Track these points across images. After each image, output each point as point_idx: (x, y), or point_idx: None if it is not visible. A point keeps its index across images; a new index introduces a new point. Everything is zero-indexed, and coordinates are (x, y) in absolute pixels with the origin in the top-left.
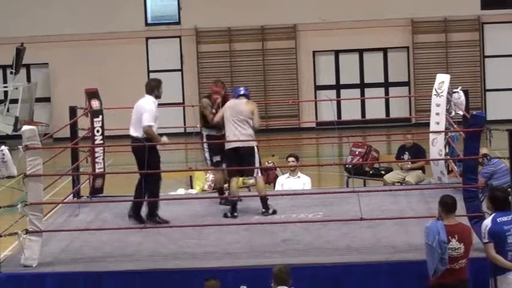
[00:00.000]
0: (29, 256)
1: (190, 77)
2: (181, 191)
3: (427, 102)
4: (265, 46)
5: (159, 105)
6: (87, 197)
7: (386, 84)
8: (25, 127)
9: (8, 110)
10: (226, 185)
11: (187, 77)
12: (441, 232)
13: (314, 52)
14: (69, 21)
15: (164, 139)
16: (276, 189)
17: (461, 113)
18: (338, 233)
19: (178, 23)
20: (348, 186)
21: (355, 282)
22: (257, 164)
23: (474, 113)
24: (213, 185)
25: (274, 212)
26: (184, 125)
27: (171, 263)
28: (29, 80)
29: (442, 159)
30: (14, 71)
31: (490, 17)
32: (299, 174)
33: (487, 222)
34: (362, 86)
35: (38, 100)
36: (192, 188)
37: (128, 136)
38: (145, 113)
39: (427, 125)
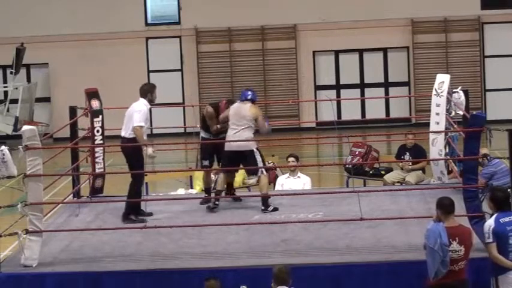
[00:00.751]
0: (29, 256)
1: (190, 77)
2: (181, 191)
3: (427, 102)
4: (265, 46)
5: (160, 104)
6: (87, 197)
7: (386, 84)
8: (25, 127)
9: (8, 110)
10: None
11: (187, 77)
12: (443, 235)
13: (314, 52)
14: (69, 21)
15: (149, 151)
16: (276, 189)
17: (461, 113)
18: (338, 233)
19: (178, 23)
20: (348, 186)
21: (355, 282)
22: (260, 164)
23: (474, 113)
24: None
25: (276, 209)
26: (184, 125)
27: (171, 263)
28: (29, 80)
29: (442, 159)
30: (14, 71)
31: (490, 17)
32: (299, 174)
33: (491, 223)
34: (362, 86)
35: (38, 100)
36: (192, 188)
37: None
38: (136, 113)
39: (427, 125)
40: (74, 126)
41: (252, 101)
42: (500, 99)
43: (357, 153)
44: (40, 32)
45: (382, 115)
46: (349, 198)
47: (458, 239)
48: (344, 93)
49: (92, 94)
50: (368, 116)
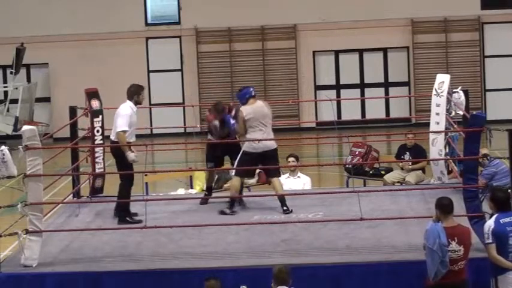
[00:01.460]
0: (29, 256)
1: (190, 77)
2: (181, 191)
3: (427, 102)
4: (265, 46)
5: (160, 104)
6: (87, 197)
7: (386, 84)
8: (25, 127)
9: (8, 110)
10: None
11: (187, 77)
12: (441, 235)
13: (314, 52)
14: (69, 21)
15: (131, 156)
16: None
17: (461, 113)
18: (338, 233)
19: (178, 23)
20: (348, 186)
21: (355, 282)
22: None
23: (474, 113)
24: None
25: (291, 211)
26: (184, 125)
27: (171, 263)
28: (29, 80)
29: (442, 159)
30: (14, 71)
31: (490, 17)
32: (299, 174)
33: (490, 223)
34: (362, 86)
35: (38, 100)
36: (192, 188)
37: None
38: (119, 118)
39: (427, 125)
40: (74, 126)
41: (255, 97)
42: (500, 99)
43: (357, 153)
44: (40, 32)
45: (382, 115)
46: (349, 198)
47: (457, 239)
48: (344, 93)
49: (92, 94)
50: (368, 116)
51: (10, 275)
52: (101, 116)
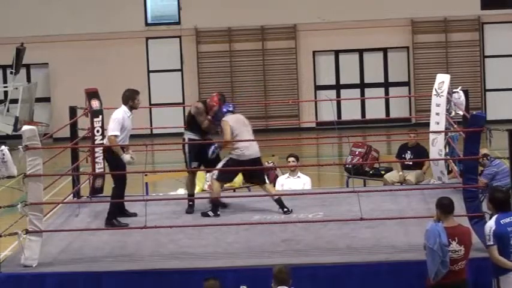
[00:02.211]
0: (29, 256)
1: (190, 77)
2: (181, 191)
3: (427, 102)
4: (265, 46)
5: (160, 105)
6: (87, 197)
7: (386, 84)
8: (25, 127)
9: (8, 110)
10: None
11: (187, 77)
12: (442, 235)
13: (314, 52)
14: (69, 21)
15: (126, 157)
16: (276, 189)
17: (461, 113)
18: (338, 233)
19: (178, 23)
20: (348, 186)
21: (355, 282)
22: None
23: (474, 113)
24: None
25: (291, 211)
26: (184, 125)
27: (171, 263)
28: (29, 80)
29: (442, 159)
30: (14, 71)
31: (490, 17)
32: (299, 174)
33: (491, 224)
34: (362, 86)
35: (38, 100)
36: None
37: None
38: (111, 123)
39: (427, 125)
40: (74, 126)
41: (233, 112)
42: (500, 99)
43: (357, 153)
44: (40, 32)
45: (382, 115)
46: (349, 198)
47: (458, 239)
48: (344, 93)
49: (92, 94)
50: (368, 116)
51: (10, 275)
52: (101, 116)
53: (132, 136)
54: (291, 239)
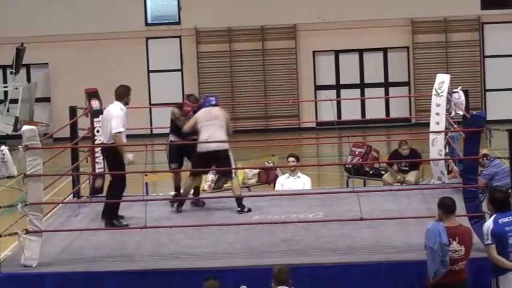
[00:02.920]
0: (29, 256)
1: (190, 77)
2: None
3: (427, 102)
4: (265, 46)
5: (160, 105)
6: (87, 197)
7: (386, 84)
8: (25, 127)
9: (8, 110)
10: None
11: (187, 77)
12: (442, 234)
13: (314, 52)
14: (69, 21)
15: (129, 156)
16: (276, 189)
17: (461, 113)
18: (338, 233)
19: (178, 23)
20: (348, 186)
21: (355, 282)
22: (233, 165)
23: (474, 113)
24: (212, 184)
25: (249, 210)
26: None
27: (171, 263)
28: (29, 80)
29: (442, 159)
30: (14, 71)
31: (490, 17)
32: (299, 174)
33: (489, 224)
34: (362, 86)
35: (38, 100)
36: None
37: (127, 136)
38: (113, 120)
39: (427, 125)
40: (74, 126)
41: (217, 105)
42: (500, 99)
43: (357, 153)
44: (40, 32)
45: (382, 115)
46: (349, 198)
47: (459, 238)
48: (344, 93)
49: (92, 94)
50: (368, 116)
51: (10, 275)
52: (100, 116)
53: (132, 136)
54: (291, 239)
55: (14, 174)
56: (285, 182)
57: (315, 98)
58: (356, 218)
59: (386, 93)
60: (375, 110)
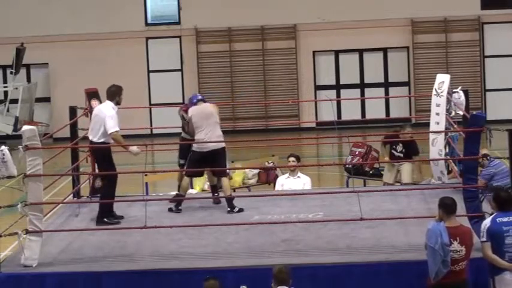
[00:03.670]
0: (29, 256)
1: (190, 77)
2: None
3: (427, 102)
4: (265, 46)
5: (160, 105)
6: (87, 197)
7: (386, 84)
8: (25, 127)
9: (8, 110)
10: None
11: (187, 77)
12: (443, 234)
13: (314, 52)
14: (69, 21)
15: (134, 148)
16: (276, 189)
17: (461, 113)
18: (338, 233)
19: (178, 23)
20: (348, 186)
21: (355, 282)
22: (227, 164)
23: (474, 113)
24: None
25: (241, 210)
26: None
27: (171, 263)
28: (29, 80)
29: (442, 159)
30: (14, 71)
31: (490, 17)
32: (299, 174)
33: (487, 222)
34: (362, 86)
35: (38, 100)
36: (192, 188)
37: (127, 136)
38: (109, 120)
39: (427, 125)
40: (74, 126)
41: (203, 100)
42: (500, 99)
43: (357, 153)
44: (40, 32)
45: (382, 115)
46: (349, 198)
47: (459, 239)
48: (344, 93)
49: (92, 94)
50: (368, 116)
51: (10, 275)
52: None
53: (132, 136)
54: (291, 239)
55: (14, 174)
56: (285, 182)
57: (315, 98)
58: (356, 218)
59: (386, 93)
60: (375, 110)
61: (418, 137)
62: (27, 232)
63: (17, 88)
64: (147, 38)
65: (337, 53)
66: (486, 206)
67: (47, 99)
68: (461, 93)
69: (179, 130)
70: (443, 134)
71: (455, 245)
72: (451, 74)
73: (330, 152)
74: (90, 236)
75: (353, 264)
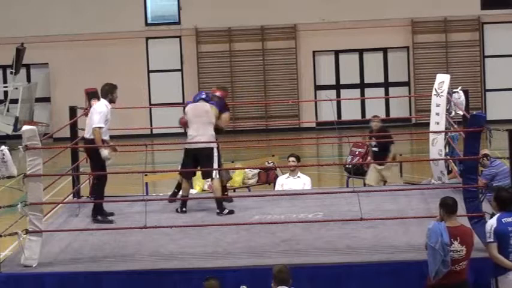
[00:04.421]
0: (29, 256)
1: (190, 77)
2: (181, 191)
3: (427, 102)
4: (265, 46)
5: (160, 105)
6: (87, 197)
7: (386, 84)
8: (25, 127)
9: (8, 110)
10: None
11: (187, 77)
12: (444, 234)
13: (314, 52)
14: (69, 21)
15: (104, 152)
16: (276, 189)
17: (461, 113)
18: (338, 233)
19: (178, 23)
20: (348, 186)
21: (355, 282)
22: (215, 166)
23: (474, 113)
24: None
25: (231, 212)
26: None
27: (171, 263)
28: (29, 80)
29: (442, 159)
30: (14, 71)
31: (490, 17)
32: (299, 174)
33: (493, 222)
34: (362, 86)
35: (38, 100)
36: (192, 188)
37: (127, 136)
38: (96, 115)
39: (427, 125)
40: (74, 126)
41: (206, 100)
42: (500, 99)
43: (357, 153)
44: (40, 32)
45: (382, 115)
46: (349, 198)
47: (460, 239)
48: (344, 93)
49: (92, 94)
50: (368, 116)
51: (10, 275)
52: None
53: (132, 136)
54: (291, 239)
55: (14, 174)
56: (285, 182)
57: (315, 98)
58: (356, 218)
59: (387, 93)
60: (375, 110)
61: (418, 137)
62: (27, 232)
63: (17, 88)
64: (147, 38)
65: (337, 53)
66: (486, 206)
67: (47, 99)
68: (461, 93)
69: (179, 130)
70: (443, 134)
71: (456, 245)
72: (451, 74)
73: (330, 152)
74: (90, 236)
75: (353, 264)
